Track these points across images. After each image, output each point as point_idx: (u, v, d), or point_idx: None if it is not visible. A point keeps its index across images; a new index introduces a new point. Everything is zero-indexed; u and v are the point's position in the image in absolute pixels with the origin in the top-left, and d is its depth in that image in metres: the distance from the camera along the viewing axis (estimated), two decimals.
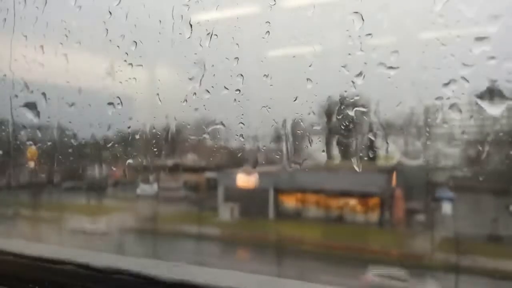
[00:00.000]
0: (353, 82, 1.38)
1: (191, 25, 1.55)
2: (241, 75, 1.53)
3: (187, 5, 1.55)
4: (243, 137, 1.61)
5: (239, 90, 1.53)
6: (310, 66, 1.43)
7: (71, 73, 1.83)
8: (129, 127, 1.79)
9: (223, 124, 1.61)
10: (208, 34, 1.53)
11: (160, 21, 1.62)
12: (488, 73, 1.19)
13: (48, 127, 1.94)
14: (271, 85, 1.50)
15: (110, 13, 1.68)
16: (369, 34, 1.32)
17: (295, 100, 1.47)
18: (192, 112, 1.62)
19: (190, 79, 1.60)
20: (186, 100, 1.62)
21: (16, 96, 1.91)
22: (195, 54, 1.56)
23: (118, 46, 1.69)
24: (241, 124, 1.58)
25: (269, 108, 1.52)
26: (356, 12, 1.33)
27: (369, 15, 1.31)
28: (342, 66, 1.42)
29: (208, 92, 1.58)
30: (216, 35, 1.52)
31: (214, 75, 1.57)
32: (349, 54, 1.35)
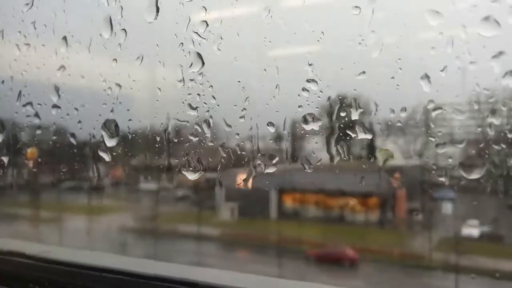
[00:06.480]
0: (353, 82, 1.38)
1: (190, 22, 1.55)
2: (241, 75, 1.53)
3: (184, 4, 1.55)
4: (239, 134, 1.61)
5: (241, 89, 1.54)
6: (310, 65, 1.43)
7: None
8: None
9: (226, 124, 1.61)
10: (208, 34, 1.53)
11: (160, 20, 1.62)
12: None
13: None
14: (272, 83, 1.50)
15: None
16: (370, 33, 1.32)
17: (296, 99, 1.47)
18: (192, 112, 1.62)
19: (191, 79, 1.60)
20: (186, 100, 1.62)
21: None
22: (195, 53, 1.56)
23: (119, 44, 1.69)
24: (241, 124, 1.57)
25: (270, 107, 1.52)
26: (356, 12, 1.33)
27: (369, 14, 1.31)
28: (342, 66, 1.42)
29: (210, 92, 1.58)
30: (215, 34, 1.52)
31: (214, 76, 1.57)
32: (350, 50, 1.35)
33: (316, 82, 1.44)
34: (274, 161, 1.61)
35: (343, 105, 1.47)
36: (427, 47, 1.29)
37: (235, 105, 1.56)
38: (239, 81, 1.54)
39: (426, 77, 1.29)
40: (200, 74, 1.57)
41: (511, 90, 1.19)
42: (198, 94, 1.59)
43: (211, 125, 1.60)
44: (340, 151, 1.56)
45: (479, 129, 1.30)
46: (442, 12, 1.22)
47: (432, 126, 1.39)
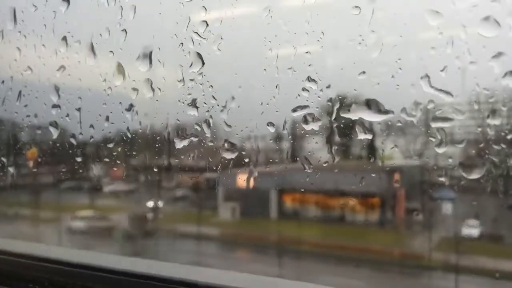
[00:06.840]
0: (353, 82, 1.38)
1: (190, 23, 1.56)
2: (241, 75, 1.53)
3: (184, 4, 1.55)
4: (242, 136, 1.61)
5: (240, 88, 1.54)
6: (310, 65, 1.43)
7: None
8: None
9: (226, 124, 1.61)
10: (208, 34, 1.53)
11: (160, 19, 1.62)
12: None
13: None
14: (272, 83, 1.50)
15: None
16: (370, 33, 1.32)
17: (296, 99, 1.47)
18: (192, 112, 1.62)
19: (191, 79, 1.60)
20: (186, 100, 1.62)
21: None
22: (195, 53, 1.56)
23: (121, 49, 1.69)
24: (241, 124, 1.57)
25: (270, 108, 1.52)
26: (356, 12, 1.33)
27: (369, 14, 1.31)
28: (342, 66, 1.41)
29: (210, 92, 1.58)
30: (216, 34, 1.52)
31: (214, 76, 1.58)
32: (349, 50, 1.35)
33: (316, 82, 1.44)
34: (273, 161, 1.61)
35: (343, 105, 1.47)
36: (427, 47, 1.29)
37: (235, 105, 1.56)
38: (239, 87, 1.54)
39: (426, 77, 1.29)
40: (200, 74, 1.57)
41: (511, 90, 1.19)
42: (198, 94, 1.59)
43: (211, 125, 1.61)
44: (340, 151, 1.56)
45: (479, 129, 1.30)
46: (442, 12, 1.21)
47: (432, 126, 1.39)
